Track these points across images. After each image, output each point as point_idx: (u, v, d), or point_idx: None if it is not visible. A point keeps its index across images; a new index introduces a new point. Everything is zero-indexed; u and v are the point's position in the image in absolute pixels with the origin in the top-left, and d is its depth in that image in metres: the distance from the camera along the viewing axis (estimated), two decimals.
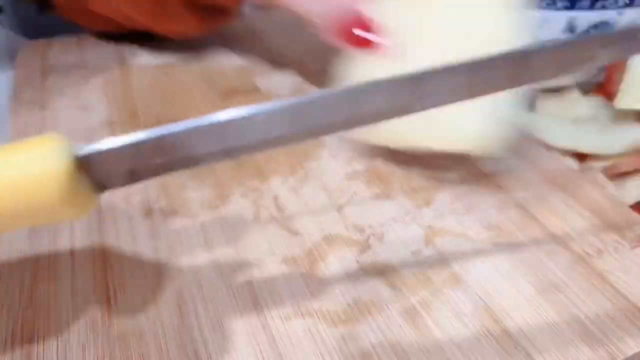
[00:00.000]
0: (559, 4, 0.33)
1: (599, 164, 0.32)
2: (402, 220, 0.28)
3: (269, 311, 0.23)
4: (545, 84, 0.39)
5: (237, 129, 0.13)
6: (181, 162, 0.14)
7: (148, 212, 0.28)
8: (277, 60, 0.44)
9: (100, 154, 0.13)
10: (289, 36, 0.48)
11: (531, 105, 0.39)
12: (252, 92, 0.39)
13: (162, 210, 0.28)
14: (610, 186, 0.30)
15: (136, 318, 0.22)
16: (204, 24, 0.42)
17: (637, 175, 0.31)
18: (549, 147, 0.34)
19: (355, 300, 0.23)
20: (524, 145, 0.33)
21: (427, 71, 0.15)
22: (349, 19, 0.26)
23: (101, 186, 0.13)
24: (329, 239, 0.26)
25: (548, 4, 0.33)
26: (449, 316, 0.22)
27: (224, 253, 0.26)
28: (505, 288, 0.24)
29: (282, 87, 0.40)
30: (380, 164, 0.32)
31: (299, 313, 0.23)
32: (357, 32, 0.26)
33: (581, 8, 0.33)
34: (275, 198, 0.29)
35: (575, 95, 0.38)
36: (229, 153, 0.14)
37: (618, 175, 0.31)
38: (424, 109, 0.16)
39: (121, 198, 0.29)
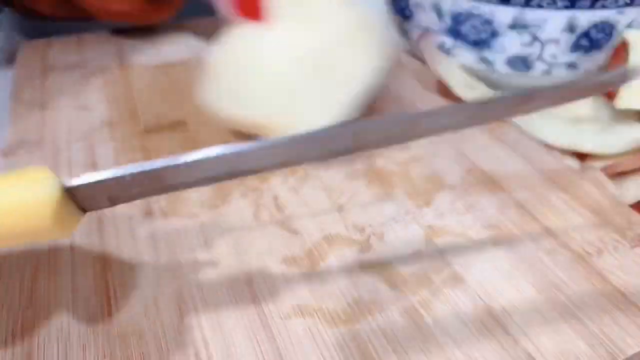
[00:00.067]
0: (559, 3, 0.33)
1: (599, 164, 0.32)
2: (403, 219, 0.28)
3: (269, 311, 0.23)
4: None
5: (206, 165, 0.16)
6: (156, 191, 0.16)
7: (148, 212, 0.28)
8: None
9: (85, 185, 0.15)
10: None
11: None
12: None
13: (162, 210, 0.28)
14: (611, 186, 0.30)
15: (136, 318, 0.22)
16: (147, 7, 0.45)
17: (638, 174, 0.31)
18: (549, 147, 0.34)
19: (356, 300, 0.23)
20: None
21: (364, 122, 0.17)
22: None
23: (84, 210, 0.16)
24: (329, 239, 0.26)
25: (548, 3, 0.33)
26: (449, 316, 0.22)
27: (224, 253, 0.26)
28: (505, 287, 0.24)
29: None
30: (381, 164, 0.32)
31: (299, 312, 0.23)
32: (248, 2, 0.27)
33: (581, 7, 0.33)
34: (275, 198, 0.29)
35: None
36: (198, 183, 0.16)
37: (618, 174, 0.31)
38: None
39: None
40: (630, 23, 0.35)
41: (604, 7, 0.33)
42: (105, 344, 0.21)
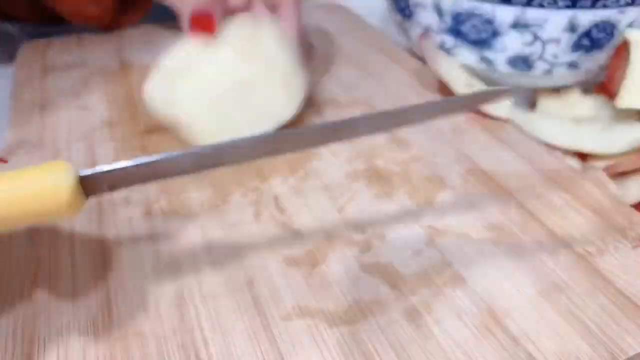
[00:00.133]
0: (560, 3, 0.33)
1: (600, 164, 0.32)
2: (403, 220, 0.28)
3: (270, 311, 0.23)
4: (545, 84, 0.39)
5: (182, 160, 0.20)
6: (149, 179, 0.20)
7: (148, 212, 0.28)
8: None
9: (91, 175, 0.19)
10: None
11: (532, 105, 0.39)
12: None
13: (162, 210, 0.28)
14: (612, 185, 0.30)
15: (136, 318, 0.22)
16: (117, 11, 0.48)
17: (639, 174, 0.31)
18: (550, 147, 0.33)
19: (356, 300, 0.23)
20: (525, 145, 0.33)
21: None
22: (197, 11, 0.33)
23: (89, 195, 0.19)
24: (330, 239, 0.26)
25: (549, 3, 0.33)
26: (450, 316, 0.22)
27: (224, 253, 0.26)
28: (506, 288, 0.24)
29: None
30: (381, 164, 0.32)
31: (300, 313, 0.23)
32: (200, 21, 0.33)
33: (583, 7, 0.33)
34: (276, 198, 0.29)
35: (577, 94, 0.38)
36: (176, 174, 0.20)
37: (619, 174, 0.31)
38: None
39: (121, 198, 0.29)
40: (632, 22, 0.35)
41: (605, 6, 0.33)
42: (106, 345, 0.21)
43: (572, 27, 0.34)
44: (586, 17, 0.34)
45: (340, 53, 0.46)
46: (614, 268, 0.24)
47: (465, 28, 0.37)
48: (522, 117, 0.36)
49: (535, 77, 0.38)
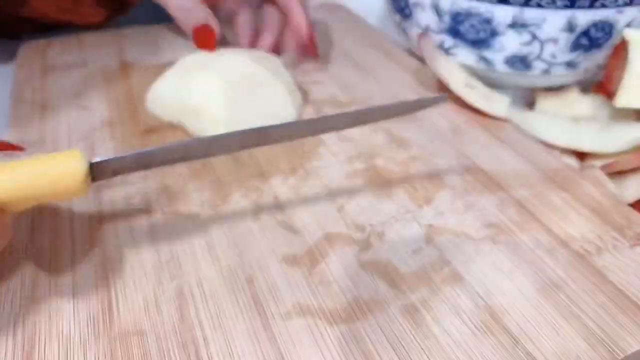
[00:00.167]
0: (559, 3, 0.33)
1: (598, 163, 0.32)
2: (403, 218, 0.28)
3: (270, 310, 0.23)
4: (544, 84, 0.39)
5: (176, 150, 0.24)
6: (148, 167, 0.23)
7: (148, 212, 0.28)
8: None
9: (99, 162, 0.23)
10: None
11: (531, 104, 0.39)
12: None
13: (162, 210, 0.28)
14: (610, 184, 0.30)
15: (137, 318, 0.22)
16: (109, 12, 0.50)
17: (637, 173, 0.31)
18: (548, 146, 0.34)
19: (356, 299, 0.23)
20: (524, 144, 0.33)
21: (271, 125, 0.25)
22: (200, 23, 0.38)
23: (96, 180, 0.23)
24: (330, 238, 0.26)
25: (548, 3, 0.34)
26: (449, 314, 0.22)
27: (224, 253, 0.26)
28: (505, 286, 0.24)
29: None
30: (381, 163, 0.32)
31: (300, 312, 0.23)
32: (204, 34, 0.38)
33: (581, 6, 0.33)
34: (276, 197, 0.29)
35: (575, 93, 0.38)
36: (169, 163, 0.24)
37: (618, 173, 0.31)
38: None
39: (121, 198, 0.29)
40: (630, 22, 0.35)
41: (603, 6, 0.33)
42: (106, 344, 0.21)
43: (570, 27, 0.35)
44: (584, 17, 0.34)
45: (340, 53, 0.46)
46: (612, 266, 0.25)
47: (464, 28, 0.37)
48: (520, 116, 0.36)
49: (534, 76, 0.38)
